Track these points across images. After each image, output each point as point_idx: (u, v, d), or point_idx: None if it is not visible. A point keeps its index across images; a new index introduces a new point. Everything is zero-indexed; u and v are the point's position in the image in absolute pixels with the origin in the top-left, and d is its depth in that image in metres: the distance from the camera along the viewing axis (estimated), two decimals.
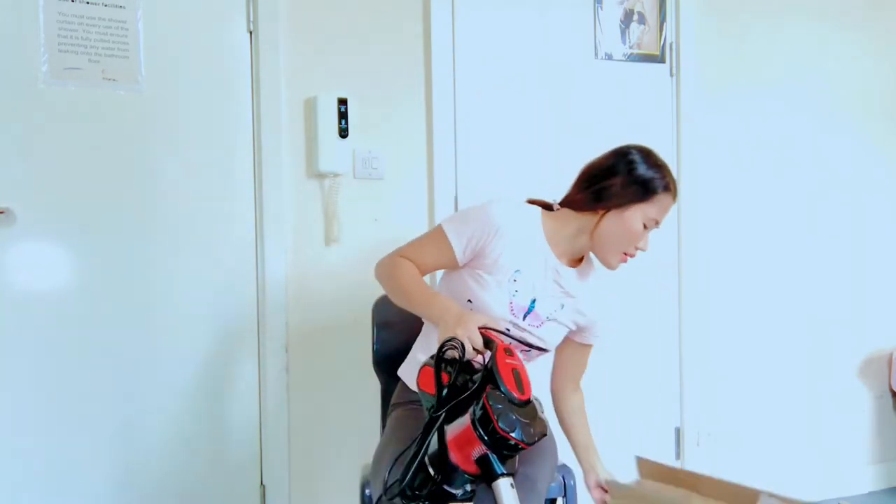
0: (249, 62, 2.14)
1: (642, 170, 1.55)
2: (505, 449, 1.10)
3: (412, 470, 1.16)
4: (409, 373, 1.66)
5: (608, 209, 1.54)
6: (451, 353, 1.23)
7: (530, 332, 1.54)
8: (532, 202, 1.64)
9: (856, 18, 2.86)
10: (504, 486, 1.10)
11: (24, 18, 1.90)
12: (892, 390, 2.93)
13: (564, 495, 1.63)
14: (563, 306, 1.57)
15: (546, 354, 1.63)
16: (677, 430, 2.67)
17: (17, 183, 1.92)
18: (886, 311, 2.94)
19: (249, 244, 2.15)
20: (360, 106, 2.21)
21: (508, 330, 1.41)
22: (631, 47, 2.57)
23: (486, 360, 1.19)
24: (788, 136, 2.78)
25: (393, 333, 2.07)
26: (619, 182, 1.54)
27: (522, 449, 1.10)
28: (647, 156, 1.58)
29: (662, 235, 2.62)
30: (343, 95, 2.18)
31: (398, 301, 1.53)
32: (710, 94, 2.65)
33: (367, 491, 1.60)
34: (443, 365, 1.21)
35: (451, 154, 2.34)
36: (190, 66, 2.08)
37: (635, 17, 2.57)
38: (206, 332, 2.11)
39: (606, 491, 1.53)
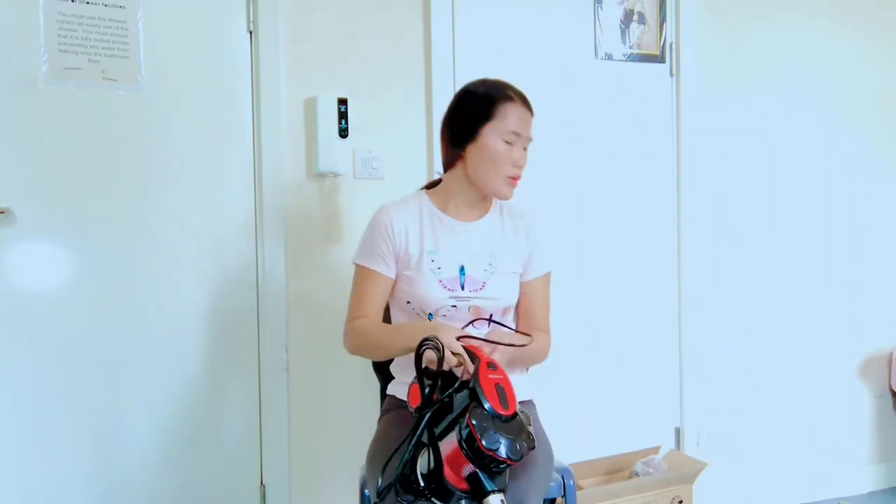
0: (249, 62, 2.14)
1: (474, 94, 1.56)
2: (493, 465, 1.10)
3: (398, 472, 1.19)
4: (395, 390, 1.68)
5: (465, 148, 1.55)
6: (430, 354, 1.25)
7: (478, 297, 1.55)
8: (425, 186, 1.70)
9: (856, 18, 2.86)
10: (494, 502, 1.11)
11: (24, 18, 1.90)
12: (892, 390, 2.93)
13: (564, 495, 1.63)
14: (493, 256, 1.58)
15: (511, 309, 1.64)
16: (677, 430, 2.67)
17: (17, 183, 1.92)
18: (886, 311, 2.94)
19: (250, 244, 2.15)
20: (360, 106, 2.21)
21: (455, 307, 1.51)
22: (631, 47, 2.57)
23: (469, 377, 1.19)
24: (788, 136, 2.78)
25: None
26: (459, 117, 1.56)
27: (510, 465, 1.11)
28: (478, 81, 1.59)
29: (662, 235, 2.62)
30: (343, 95, 2.18)
31: (383, 357, 1.60)
32: (710, 94, 2.65)
33: (366, 491, 1.60)
34: (423, 368, 1.25)
35: None
36: (190, 66, 2.08)
37: (635, 17, 2.57)
38: (206, 331, 2.11)
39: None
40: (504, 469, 1.13)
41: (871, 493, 2.89)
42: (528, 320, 1.65)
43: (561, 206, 2.49)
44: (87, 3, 1.96)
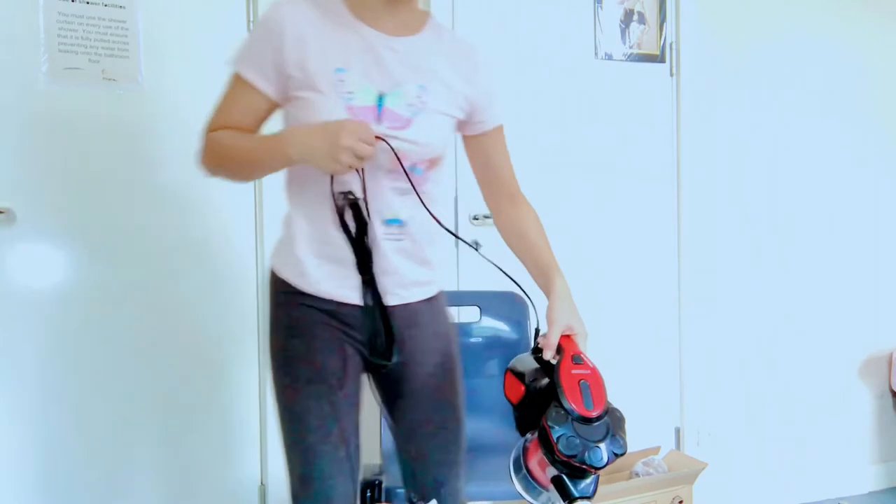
0: None
1: None
2: (577, 472, 0.99)
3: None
4: (283, 262, 1.30)
5: None
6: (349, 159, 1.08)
7: (398, 138, 1.20)
8: None
9: (856, 18, 2.86)
10: None
11: (24, 18, 1.90)
12: (892, 390, 2.93)
13: None
14: (423, 88, 1.24)
15: (439, 165, 1.34)
16: (677, 430, 2.67)
17: (17, 183, 1.91)
18: (886, 311, 2.94)
19: (250, 243, 2.15)
20: None
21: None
22: (631, 47, 2.57)
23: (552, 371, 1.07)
24: (789, 136, 2.78)
25: None
26: None
27: (595, 472, 1.00)
28: None
29: (662, 235, 2.62)
30: None
31: (245, 174, 1.34)
32: (710, 94, 2.65)
33: (367, 491, 1.60)
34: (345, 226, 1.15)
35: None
36: (190, 66, 2.08)
37: (635, 16, 2.57)
38: (206, 331, 2.11)
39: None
40: (591, 476, 1.01)
41: (871, 493, 2.89)
42: (497, 188, 1.40)
43: (561, 206, 2.49)
44: (87, 3, 1.96)
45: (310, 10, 1.22)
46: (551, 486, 1.03)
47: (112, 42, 1.99)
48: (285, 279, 1.30)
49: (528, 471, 1.07)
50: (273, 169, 1.25)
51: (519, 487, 1.09)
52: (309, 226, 1.27)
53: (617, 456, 0.99)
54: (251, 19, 2.13)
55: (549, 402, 1.01)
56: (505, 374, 1.14)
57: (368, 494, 1.61)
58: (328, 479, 1.25)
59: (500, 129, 1.40)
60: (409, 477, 1.40)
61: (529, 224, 1.37)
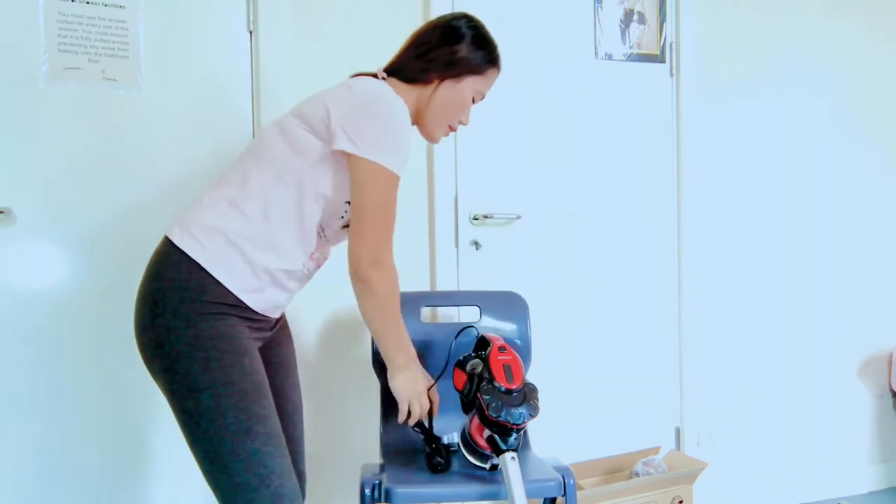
0: (249, 62, 2.14)
1: (480, 41, 1.53)
2: (504, 430, 1.36)
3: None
4: (217, 261, 1.31)
5: (443, 79, 1.50)
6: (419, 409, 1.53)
7: None
8: (358, 75, 1.52)
9: (857, 17, 2.86)
10: (507, 458, 1.35)
11: (24, 18, 1.90)
12: (892, 390, 2.93)
13: (564, 495, 1.62)
14: None
15: None
16: (677, 430, 2.67)
17: (17, 183, 1.92)
18: (886, 311, 2.94)
19: None
20: None
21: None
22: (631, 47, 2.57)
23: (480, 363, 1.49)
24: (788, 136, 2.78)
25: None
26: (458, 51, 1.50)
27: (516, 429, 1.36)
28: (482, 28, 1.56)
29: (663, 235, 2.63)
30: None
31: (376, 327, 1.46)
32: (710, 94, 2.65)
33: (366, 491, 1.60)
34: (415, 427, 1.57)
35: (451, 154, 2.34)
36: (190, 66, 2.08)
37: (635, 16, 2.57)
38: None
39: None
40: (514, 433, 1.37)
41: (871, 493, 2.89)
42: None
43: (561, 206, 2.49)
44: (87, 3, 1.96)
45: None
46: (489, 448, 1.41)
47: (112, 42, 1.99)
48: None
49: (472, 439, 1.45)
50: (385, 354, 1.50)
51: (469, 457, 1.49)
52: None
53: (531, 416, 1.36)
54: (251, 19, 2.13)
55: (477, 389, 1.42)
56: (453, 369, 1.54)
57: (368, 494, 1.60)
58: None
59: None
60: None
61: None
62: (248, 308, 1.35)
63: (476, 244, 2.37)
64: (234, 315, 1.33)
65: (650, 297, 2.62)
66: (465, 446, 1.49)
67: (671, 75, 2.62)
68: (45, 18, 1.92)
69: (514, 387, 1.37)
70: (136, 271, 2.03)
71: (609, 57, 2.55)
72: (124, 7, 2.00)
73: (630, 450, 2.46)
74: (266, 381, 1.33)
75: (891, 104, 2.94)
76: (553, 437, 2.45)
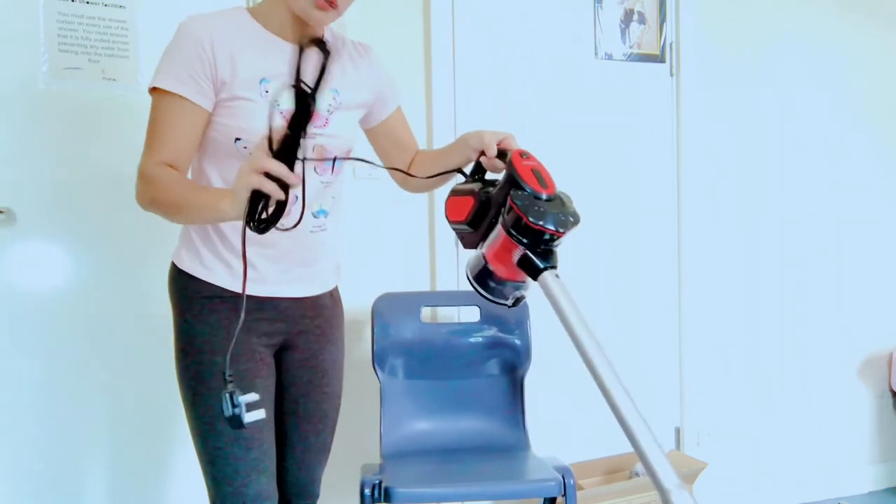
0: None
1: None
2: (542, 244, 1.10)
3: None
4: (193, 261, 1.36)
5: None
6: (268, 186, 1.07)
7: (323, 135, 1.36)
8: None
9: (857, 17, 2.86)
10: (550, 276, 1.09)
11: (24, 18, 1.90)
12: (892, 390, 2.93)
13: (564, 495, 1.63)
14: (336, 91, 1.39)
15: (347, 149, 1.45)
16: (677, 430, 2.67)
17: (17, 183, 1.92)
18: (886, 311, 2.94)
19: None
20: None
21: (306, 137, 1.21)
22: (631, 47, 2.57)
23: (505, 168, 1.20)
24: (789, 136, 2.78)
25: (392, 333, 2.08)
26: None
27: (559, 238, 1.11)
28: None
29: (663, 235, 2.62)
30: None
31: (179, 221, 1.33)
32: (710, 94, 2.65)
33: (366, 491, 1.60)
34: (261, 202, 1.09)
35: None
36: None
37: (635, 16, 2.57)
38: None
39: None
40: (554, 246, 1.12)
41: (871, 493, 2.89)
42: (405, 154, 1.56)
43: None
44: (87, 2, 1.96)
45: (226, 25, 1.29)
46: (518, 274, 1.13)
47: (112, 42, 1.99)
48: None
49: (493, 270, 1.18)
50: (206, 221, 1.28)
51: (485, 293, 1.20)
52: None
53: (573, 224, 1.11)
54: None
55: (501, 204, 1.15)
56: (447, 199, 1.25)
57: (368, 494, 1.61)
58: None
59: (399, 108, 1.56)
60: None
61: (422, 152, 1.57)
62: (228, 294, 1.34)
63: None
64: (222, 307, 1.34)
65: (650, 297, 2.62)
66: (479, 281, 1.20)
67: (671, 75, 2.62)
68: (45, 18, 1.92)
69: (549, 192, 1.14)
70: (136, 271, 2.03)
71: (609, 57, 2.55)
72: (124, 7, 2.00)
73: (630, 450, 2.45)
74: (246, 381, 1.32)
75: (891, 105, 2.94)
76: (553, 437, 2.45)
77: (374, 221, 2.26)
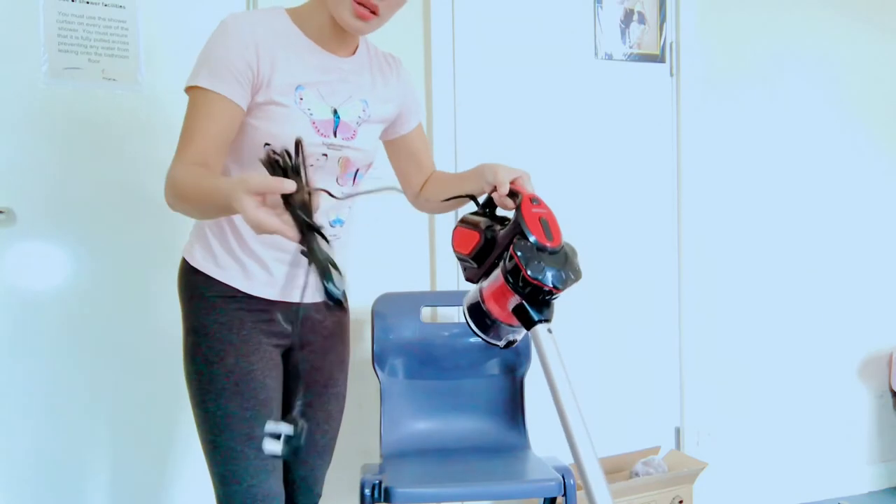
0: None
1: None
2: (539, 296, 1.09)
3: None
4: (204, 257, 1.35)
5: None
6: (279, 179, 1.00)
7: (350, 148, 1.36)
8: None
9: (857, 17, 2.86)
10: (541, 331, 1.09)
11: (24, 18, 1.90)
12: (892, 390, 2.93)
13: (564, 495, 1.63)
14: (366, 102, 1.38)
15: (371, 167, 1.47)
16: (677, 430, 2.67)
17: (17, 183, 1.92)
18: (886, 311, 2.94)
19: None
20: None
21: (326, 155, 1.28)
22: (631, 47, 2.57)
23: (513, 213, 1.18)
24: (789, 136, 2.78)
25: (392, 333, 2.08)
26: None
27: (556, 294, 1.10)
28: None
29: (662, 235, 2.63)
30: None
31: (200, 217, 1.32)
32: (710, 94, 2.65)
33: (366, 491, 1.60)
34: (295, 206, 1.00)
35: (451, 154, 2.34)
36: (190, 66, 2.07)
37: (635, 16, 2.57)
38: None
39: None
40: (551, 300, 1.12)
41: (870, 493, 2.89)
42: (420, 172, 1.55)
43: (560, 206, 2.49)
44: (87, 3, 1.96)
45: (269, 27, 1.27)
46: (512, 319, 1.13)
47: (112, 42, 1.99)
48: None
49: (487, 309, 1.17)
50: (210, 208, 1.16)
51: (476, 330, 1.20)
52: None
53: (573, 280, 1.10)
54: None
55: (504, 248, 1.13)
56: (454, 230, 1.23)
57: (368, 494, 1.61)
58: None
59: (420, 125, 1.56)
60: None
61: (437, 173, 1.56)
62: (240, 294, 1.33)
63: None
64: (234, 307, 1.33)
65: (650, 297, 2.62)
66: (473, 317, 1.21)
67: (671, 75, 2.62)
68: (45, 18, 1.92)
69: (553, 245, 1.11)
70: (136, 271, 2.03)
71: (609, 57, 2.55)
72: (124, 7, 2.00)
73: (630, 450, 2.46)
74: (257, 380, 1.33)
75: (891, 105, 2.94)
76: (553, 437, 2.44)
77: (375, 221, 2.26)
